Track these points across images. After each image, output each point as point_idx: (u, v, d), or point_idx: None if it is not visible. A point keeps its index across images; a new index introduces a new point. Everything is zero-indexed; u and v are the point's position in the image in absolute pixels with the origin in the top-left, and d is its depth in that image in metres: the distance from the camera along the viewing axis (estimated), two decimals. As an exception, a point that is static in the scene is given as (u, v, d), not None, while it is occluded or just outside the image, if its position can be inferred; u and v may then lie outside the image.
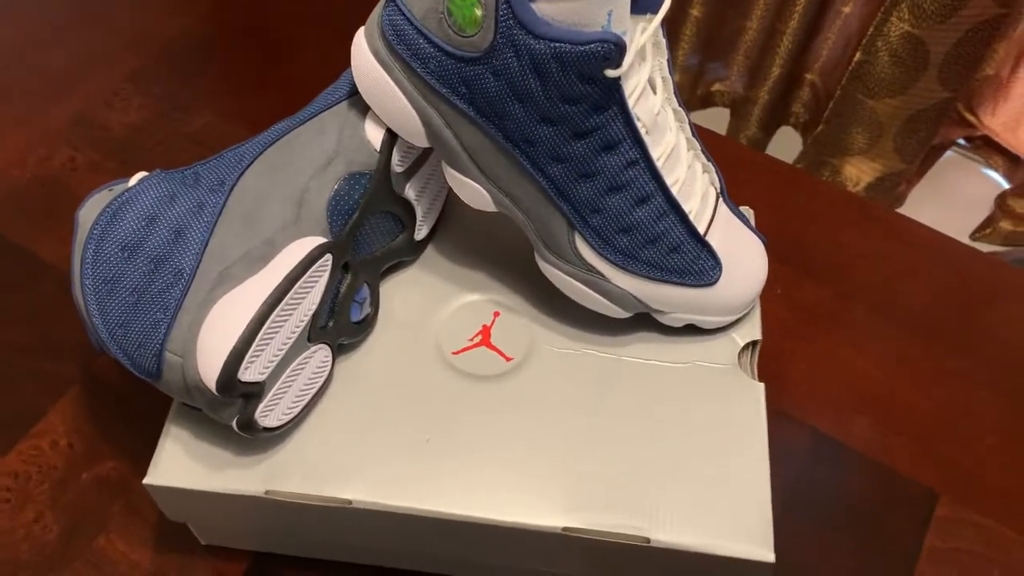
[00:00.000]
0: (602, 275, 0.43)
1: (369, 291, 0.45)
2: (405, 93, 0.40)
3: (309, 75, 0.70)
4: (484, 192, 0.42)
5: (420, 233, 0.48)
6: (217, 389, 0.37)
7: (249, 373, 0.38)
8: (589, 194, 0.40)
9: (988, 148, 1.26)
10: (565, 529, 0.41)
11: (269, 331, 0.38)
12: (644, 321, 0.47)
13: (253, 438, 0.41)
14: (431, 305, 0.47)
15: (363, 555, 0.47)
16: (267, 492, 0.41)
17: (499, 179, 0.41)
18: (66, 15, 0.73)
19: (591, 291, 0.43)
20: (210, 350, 0.37)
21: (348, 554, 0.47)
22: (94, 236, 0.41)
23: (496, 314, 0.47)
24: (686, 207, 0.41)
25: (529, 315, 0.47)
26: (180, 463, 0.42)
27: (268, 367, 0.39)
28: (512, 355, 0.46)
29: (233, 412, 0.39)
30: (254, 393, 0.39)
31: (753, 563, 0.41)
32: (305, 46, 0.72)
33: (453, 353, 0.46)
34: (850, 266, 0.62)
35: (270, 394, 0.40)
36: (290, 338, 0.40)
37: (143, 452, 0.50)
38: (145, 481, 0.41)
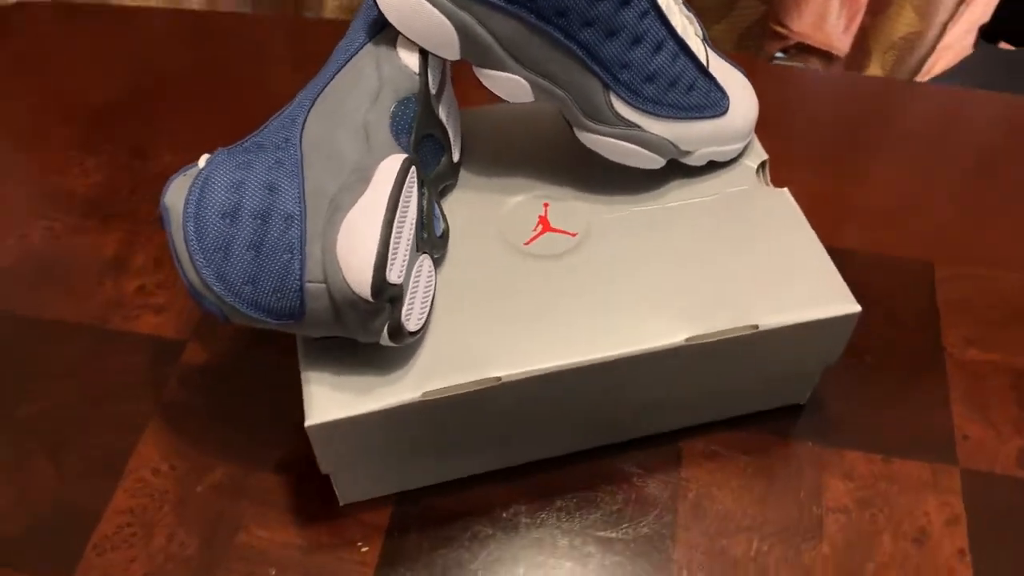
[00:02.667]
0: (639, 127, 0.49)
1: (439, 208, 0.49)
2: (436, 5, 0.44)
3: (254, 93, 0.73)
4: (522, 81, 0.47)
5: (455, 155, 0.52)
6: (372, 294, 0.40)
7: (392, 274, 0.41)
8: (616, 50, 0.46)
9: (803, 53, 1.41)
10: (687, 339, 0.46)
11: (396, 235, 0.42)
12: (672, 172, 0.53)
13: (399, 345, 0.44)
14: (486, 214, 0.52)
15: (506, 454, 0.50)
16: (423, 395, 0.44)
17: (536, 62, 0.46)
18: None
19: (632, 145, 0.49)
20: (355, 262, 0.40)
21: (490, 457, 0.50)
22: (190, 214, 0.43)
23: (546, 205, 0.52)
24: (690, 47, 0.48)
25: (574, 197, 0.52)
26: (331, 398, 0.44)
27: (403, 270, 0.42)
28: (575, 231, 0.51)
29: (383, 320, 0.42)
30: (397, 296, 0.42)
31: (844, 317, 0.47)
32: (244, 71, 0.75)
33: (525, 244, 0.50)
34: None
35: (406, 298, 0.43)
36: (409, 243, 0.43)
37: (244, 450, 0.52)
38: (307, 424, 0.43)
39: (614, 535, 0.50)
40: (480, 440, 0.48)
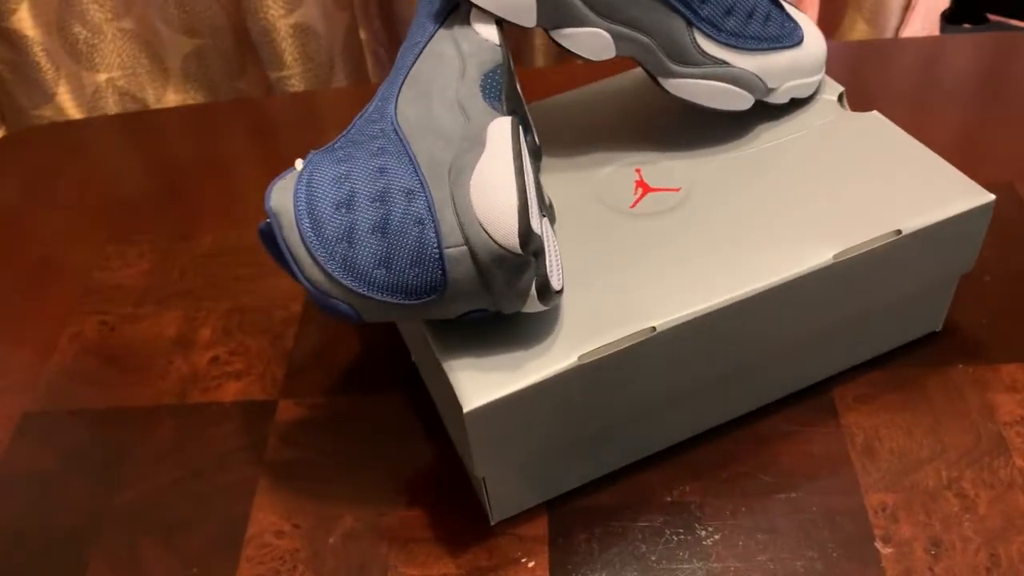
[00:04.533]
0: (726, 63, 0.47)
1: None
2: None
3: (277, 164, 0.71)
4: (604, 34, 0.46)
5: (535, 137, 0.50)
6: (521, 243, 0.37)
7: (533, 222, 0.38)
8: (694, -15, 0.45)
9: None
10: (835, 256, 0.43)
11: (528, 185, 0.39)
12: (756, 118, 0.52)
13: (546, 307, 0.41)
14: (581, 189, 0.49)
15: (661, 430, 0.46)
16: (579, 358, 0.41)
17: (617, 10, 0.45)
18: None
19: (722, 84, 0.48)
20: (495, 214, 0.37)
21: (647, 436, 0.46)
22: (302, 211, 0.40)
23: (638, 170, 0.50)
24: (757, -20, 0.48)
25: (664, 159, 0.50)
26: (483, 381, 0.40)
27: (539, 222, 0.39)
28: (678, 186, 0.49)
29: (530, 276, 0.39)
30: (539, 249, 0.39)
31: (980, 209, 0.45)
32: (261, 148, 0.73)
33: (631, 207, 0.48)
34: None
35: (546, 254, 0.40)
36: (535, 197, 0.40)
37: (368, 494, 0.49)
38: (466, 410, 0.39)
39: (795, 495, 0.46)
40: (637, 410, 0.45)
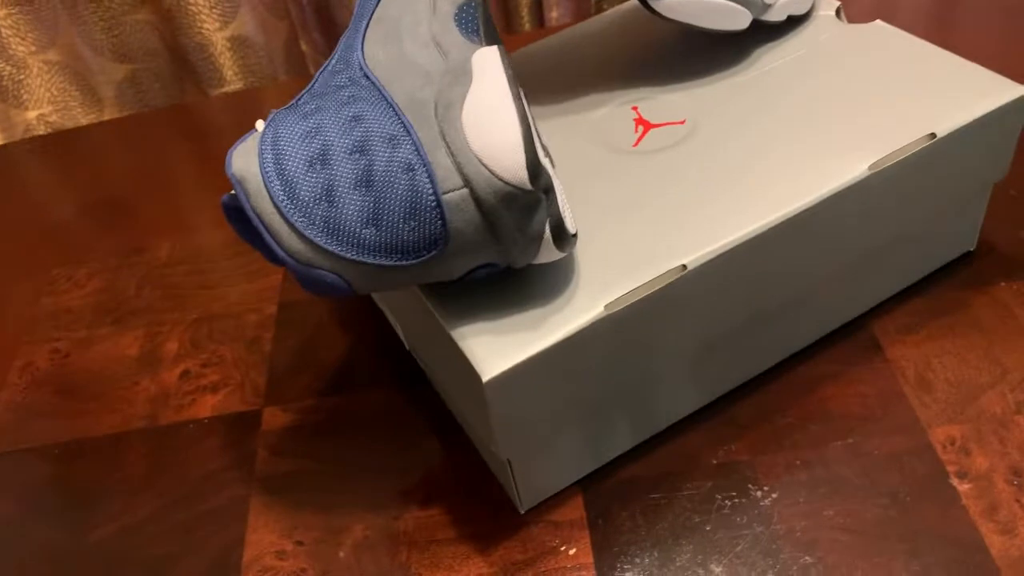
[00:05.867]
0: (719, -24, 0.43)
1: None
2: None
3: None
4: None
5: (520, 88, 0.46)
6: (530, 177, 0.32)
7: (540, 153, 0.33)
8: None
9: None
10: (870, 167, 0.39)
11: (528, 115, 0.34)
12: (754, 41, 0.48)
13: (563, 254, 0.36)
14: (577, 131, 0.45)
15: (697, 385, 0.42)
16: (606, 307, 0.36)
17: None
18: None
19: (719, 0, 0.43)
20: (497, 148, 0.32)
21: (681, 393, 0.41)
22: (270, 174, 0.34)
23: (635, 108, 0.45)
24: None
25: (661, 93, 0.46)
26: (499, 346, 0.35)
27: (544, 154, 0.35)
28: (682, 119, 0.44)
29: (543, 216, 0.34)
30: (549, 185, 0.34)
31: (1015, 103, 0.42)
32: (206, 150, 0.67)
33: (633, 146, 0.43)
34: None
35: (555, 193, 0.35)
36: (535, 128, 0.36)
37: (375, 499, 0.43)
38: (485, 379, 0.34)
39: (852, 440, 0.41)
40: (670, 364, 0.40)
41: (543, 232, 0.34)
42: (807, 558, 0.38)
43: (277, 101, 0.72)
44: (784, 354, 0.45)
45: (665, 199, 0.40)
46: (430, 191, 0.33)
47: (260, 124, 0.37)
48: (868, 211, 0.40)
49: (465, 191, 0.33)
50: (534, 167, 0.33)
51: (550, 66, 0.50)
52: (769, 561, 0.38)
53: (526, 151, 0.32)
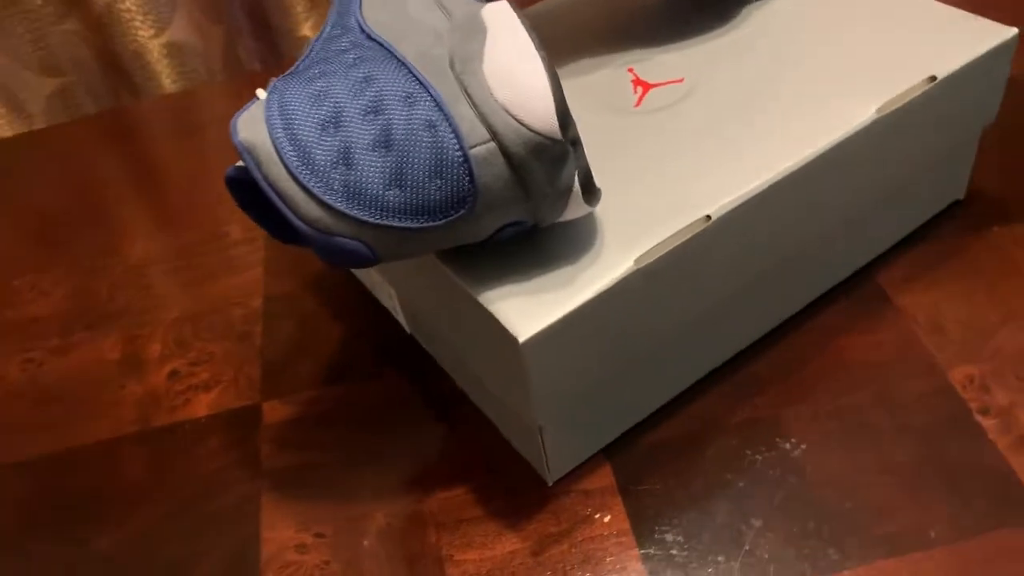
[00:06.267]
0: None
1: None
2: None
3: (191, 161, 0.62)
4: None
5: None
6: (560, 125, 0.31)
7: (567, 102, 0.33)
8: None
9: None
10: (877, 111, 0.39)
11: (552, 64, 0.33)
12: None
13: (591, 209, 0.35)
14: (575, 95, 0.44)
15: (721, 333, 0.41)
16: (636, 262, 0.35)
17: None
18: None
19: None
20: (524, 98, 0.31)
21: (705, 349, 0.41)
22: (281, 140, 0.33)
23: (630, 69, 0.45)
24: None
25: (655, 54, 0.45)
26: (531, 306, 0.34)
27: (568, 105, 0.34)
28: (680, 77, 0.44)
29: (571, 168, 0.33)
30: (576, 137, 0.33)
31: (1006, 44, 0.42)
32: (169, 146, 0.65)
33: (635, 107, 0.43)
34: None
35: (582, 145, 0.34)
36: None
37: (394, 484, 0.42)
38: (522, 340, 0.33)
39: (875, 387, 0.41)
40: (695, 317, 0.39)
41: (572, 185, 0.33)
42: (848, 503, 0.37)
43: (215, 100, 0.70)
44: (796, 307, 0.45)
45: (678, 154, 0.39)
46: (456, 147, 0.32)
47: (261, 93, 0.35)
48: (874, 156, 0.41)
49: (492, 144, 0.32)
50: (564, 115, 0.32)
51: (543, 32, 0.49)
52: (810, 510, 0.37)
53: (556, 99, 0.31)
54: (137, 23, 1.01)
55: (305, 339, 0.49)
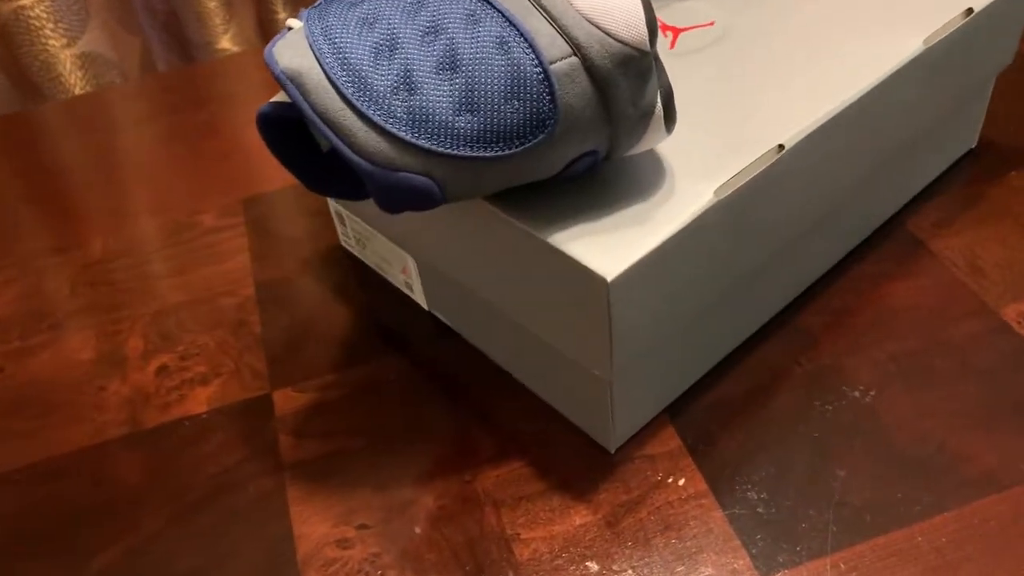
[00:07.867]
0: None
1: None
2: None
3: (152, 150, 0.57)
4: None
5: None
6: (650, 33, 0.29)
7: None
8: None
9: None
10: (924, 42, 0.38)
11: None
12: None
13: (668, 133, 0.32)
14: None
15: (781, 278, 0.39)
16: (715, 192, 0.32)
17: None
18: None
19: None
20: (612, 5, 0.29)
21: (768, 283, 0.39)
22: (332, 65, 0.29)
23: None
24: None
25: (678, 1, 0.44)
26: (611, 246, 0.31)
27: None
28: (709, 20, 0.42)
29: (654, 84, 0.30)
30: (657, 53, 0.31)
31: (1031, -20, 0.42)
32: (128, 136, 0.59)
33: (670, 48, 0.40)
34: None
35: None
36: None
37: (437, 464, 0.38)
38: (610, 280, 0.30)
39: (930, 329, 0.40)
40: (768, 253, 0.37)
41: (655, 105, 0.31)
42: (929, 447, 0.36)
43: (126, 102, 0.65)
44: (836, 258, 0.43)
45: (732, 90, 0.37)
46: (534, 63, 0.29)
47: (294, 22, 0.31)
48: (916, 91, 0.40)
49: (575, 59, 0.29)
50: (652, 23, 0.29)
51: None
52: (893, 455, 0.35)
53: (644, 6, 0.29)
54: (47, 32, 0.94)
55: (309, 324, 0.44)
